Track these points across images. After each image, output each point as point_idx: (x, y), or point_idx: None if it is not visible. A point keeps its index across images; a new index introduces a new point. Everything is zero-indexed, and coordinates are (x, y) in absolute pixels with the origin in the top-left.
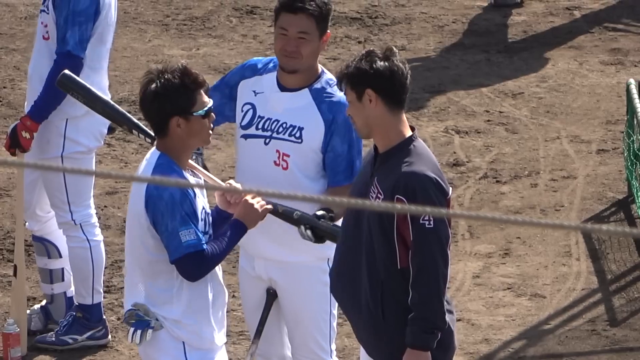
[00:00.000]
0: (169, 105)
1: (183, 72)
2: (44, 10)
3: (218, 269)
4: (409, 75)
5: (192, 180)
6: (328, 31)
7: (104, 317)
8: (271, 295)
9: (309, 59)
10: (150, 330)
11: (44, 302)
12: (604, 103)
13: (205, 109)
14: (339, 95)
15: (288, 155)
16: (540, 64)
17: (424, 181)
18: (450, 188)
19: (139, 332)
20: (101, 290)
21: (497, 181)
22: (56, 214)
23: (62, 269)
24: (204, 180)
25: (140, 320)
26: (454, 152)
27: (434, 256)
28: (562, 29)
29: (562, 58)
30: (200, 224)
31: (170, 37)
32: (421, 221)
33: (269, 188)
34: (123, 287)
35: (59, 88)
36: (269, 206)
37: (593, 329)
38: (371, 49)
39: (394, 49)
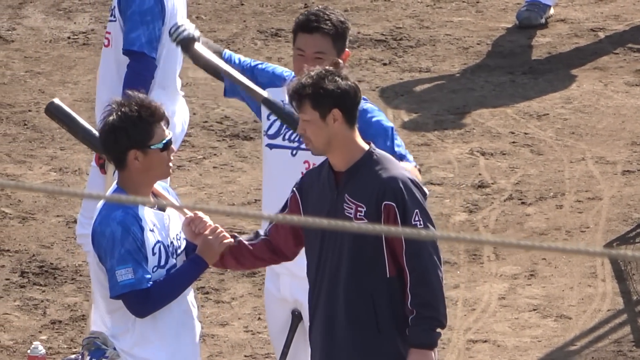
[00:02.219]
0: (126, 138)
1: (140, 104)
2: (111, 20)
3: (188, 302)
4: (360, 91)
5: (148, 211)
6: (347, 50)
7: None
8: (296, 317)
9: None
10: None
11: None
12: (629, 124)
13: (164, 141)
14: (362, 103)
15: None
16: (565, 85)
17: (408, 183)
18: (426, 187)
19: None
20: None
21: (523, 203)
22: (79, 223)
23: None
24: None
25: (97, 349)
26: (479, 174)
27: (431, 255)
28: (587, 50)
29: (586, 79)
30: (152, 259)
31: None
32: (412, 222)
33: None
34: None
35: (46, 115)
36: (230, 240)
37: (619, 349)
38: (319, 68)
39: (340, 62)
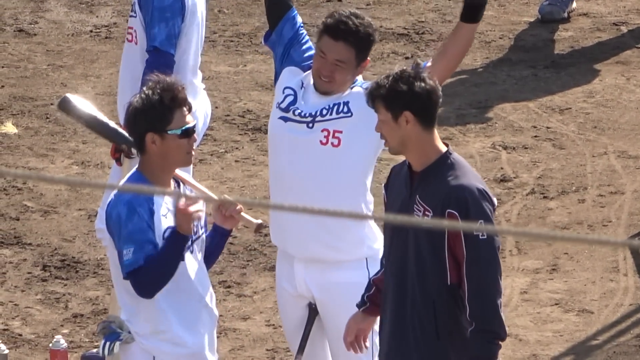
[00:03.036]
0: (144, 120)
1: (164, 88)
2: (131, 15)
3: (203, 295)
4: (440, 92)
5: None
6: (368, 58)
7: None
8: (313, 311)
9: (342, 84)
10: (117, 343)
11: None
12: None
13: (183, 128)
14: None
15: (340, 132)
16: (587, 79)
17: (475, 193)
18: (495, 198)
19: (107, 344)
20: None
21: (545, 197)
22: (99, 217)
23: None
24: (193, 192)
25: (112, 333)
26: (501, 168)
27: (492, 267)
28: (609, 45)
29: (609, 73)
30: (162, 243)
31: (217, 53)
32: (475, 233)
33: (311, 168)
34: None
35: (60, 110)
36: (197, 208)
37: None
38: (403, 67)
39: (419, 61)
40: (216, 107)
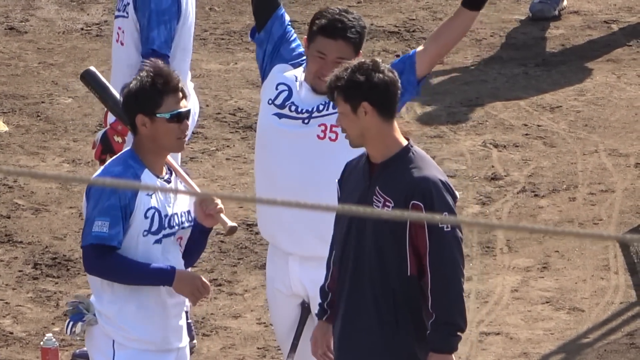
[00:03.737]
0: (134, 102)
1: (157, 73)
2: (121, 16)
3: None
4: (399, 85)
5: (156, 184)
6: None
7: None
8: (306, 310)
9: None
10: (80, 324)
11: None
12: None
13: (172, 112)
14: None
15: (334, 129)
16: (578, 77)
17: (438, 185)
18: (457, 191)
19: (71, 324)
20: None
21: (535, 195)
22: None
23: None
24: (182, 184)
25: (78, 313)
26: (492, 166)
27: (455, 259)
28: (600, 43)
29: (600, 71)
30: (144, 222)
31: (208, 51)
32: (439, 225)
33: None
34: None
35: (81, 81)
36: (204, 298)
37: (632, 342)
38: (360, 59)
39: (378, 59)
40: (207, 105)
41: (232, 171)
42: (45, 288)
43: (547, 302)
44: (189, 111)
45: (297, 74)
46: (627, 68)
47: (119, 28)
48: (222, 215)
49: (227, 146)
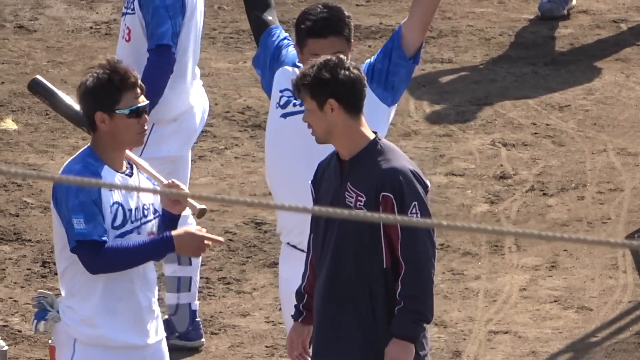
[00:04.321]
0: (92, 99)
1: (113, 70)
2: (128, 13)
3: (141, 275)
4: (365, 81)
5: (116, 180)
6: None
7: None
8: None
9: None
10: (43, 322)
11: (166, 316)
12: None
13: (131, 108)
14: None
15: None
16: (587, 76)
17: (408, 175)
18: (428, 181)
19: (35, 322)
20: None
21: (544, 194)
22: None
23: (191, 278)
24: (146, 176)
25: (41, 310)
26: (501, 165)
27: (426, 247)
28: (609, 42)
29: (608, 71)
30: (108, 217)
31: (217, 50)
32: (409, 215)
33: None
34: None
35: (29, 91)
36: (210, 244)
37: None
38: (327, 57)
39: (343, 57)
40: (216, 104)
41: (241, 170)
42: (53, 286)
43: (556, 301)
44: (147, 105)
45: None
46: (636, 67)
47: (126, 25)
48: (189, 199)
49: (236, 145)
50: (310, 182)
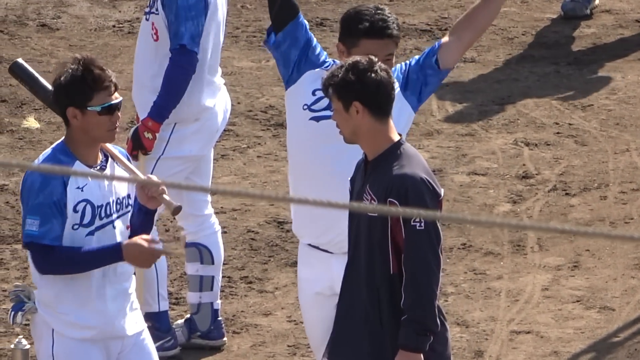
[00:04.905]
0: (64, 96)
1: (86, 67)
2: (152, 12)
3: (117, 271)
4: (394, 85)
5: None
6: None
7: (173, 327)
8: None
9: None
10: (20, 314)
11: (188, 315)
12: None
13: (103, 105)
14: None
15: None
16: (610, 76)
17: (416, 183)
18: (442, 189)
19: (12, 313)
20: (166, 297)
21: (567, 193)
22: None
23: (213, 277)
24: (122, 170)
25: (19, 302)
26: (523, 164)
27: (427, 258)
28: (632, 41)
29: (631, 70)
30: (74, 216)
31: (239, 49)
32: (412, 223)
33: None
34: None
35: (10, 74)
36: (157, 259)
37: None
38: (356, 58)
39: (374, 58)
40: (238, 103)
41: (263, 169)
42: None
43: (578, 301)
44: (120, 102)
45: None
46: None
47: (152, 25)
48: (164, 196)
49: (259, 144)
50: (349, 179)
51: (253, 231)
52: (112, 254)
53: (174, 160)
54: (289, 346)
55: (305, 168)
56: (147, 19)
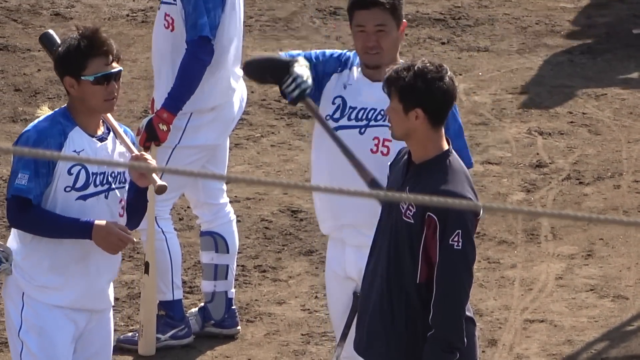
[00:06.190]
0: (60, 64)
1: (84, 35)
2: (168, 2)
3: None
4: (457, 92)
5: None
6: (404, 20)
7: (186, 315)
8: (357, 299)
9: (390, 51)
10: None
11: (202, 304)
12: None
13: (97, 75)
14: None
15: (390, 141)
16: (624, 65)
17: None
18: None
19: None
20: (180, 286)
21: (580, 182)
22: None
23: (228, 265)
24: (119, 142)
25: None
26: (537, 154)
27: (460, 277)
28: None
29: None
30: (67, 178)
31: (253, 38)
32: (450, 242)
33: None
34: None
35: (40, 44)
36: (124, 247)
37: None
38: (425, 62)
39: (445, 65)
40: (252, 92)
41: (277, 157)
42: None
43: (592, 290)
44: (118, 72)
45: (345, 78)
46: None
47: (167, 15)
48: (153, 175)
49: (272, 133)
50: (389, 164)
51: (267, 220)
52: (82, 229)
53: (190, 149)
54: (302, 335)
55: (330, 177)
56: (159, 8)
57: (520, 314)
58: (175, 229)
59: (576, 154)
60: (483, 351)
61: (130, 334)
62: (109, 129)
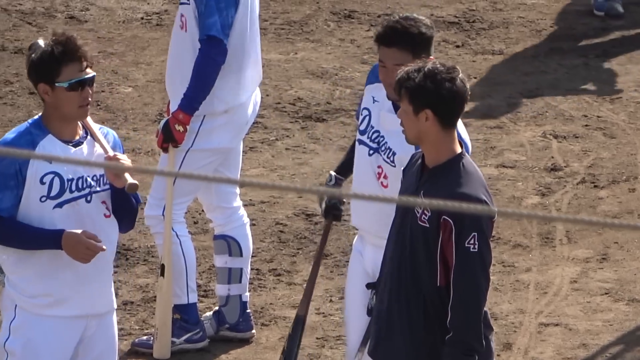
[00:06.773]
0: (34, 71)
1: (57, 41)
2: (184, 2)
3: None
4: (468, 95)
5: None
6: (432, 56)
7: (201, 319)
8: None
9: None
10: None
11: (216, 308)
12: None
13: (71, 81)
14: None
15: (387, 177)
16: (638, 68)
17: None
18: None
19: None
20: (195, 289)
21: (595, 186)
22: (148, 204)
23: (241, 269)
24: (97, 146)
25: None
26: (552, 157)
27: (477, 280)
28: None
29: None
30: (40, 188)
31: (268, 41)
32: (466, 245)
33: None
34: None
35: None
36: (93, 256)
37: None
38: (436, 64)
39: (458, 67)
40: (267, 95)
41: (292, 161)
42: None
43: (606, 294)
44: (91, 78)
45: (374, 91)
46: None
47: (182, 15)
48: (126, 175)
49: (287, 136)
50: (402, 169)
51: (281, 223)
52: (53, 239)
53: (203, 152)
54: (317, 338)
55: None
56: (179, 10)
57: (535, 318)
58: (189, 233)
59: (591, 158)
60: (498, 355)
61: (145, 337)
62: (86, 133)
